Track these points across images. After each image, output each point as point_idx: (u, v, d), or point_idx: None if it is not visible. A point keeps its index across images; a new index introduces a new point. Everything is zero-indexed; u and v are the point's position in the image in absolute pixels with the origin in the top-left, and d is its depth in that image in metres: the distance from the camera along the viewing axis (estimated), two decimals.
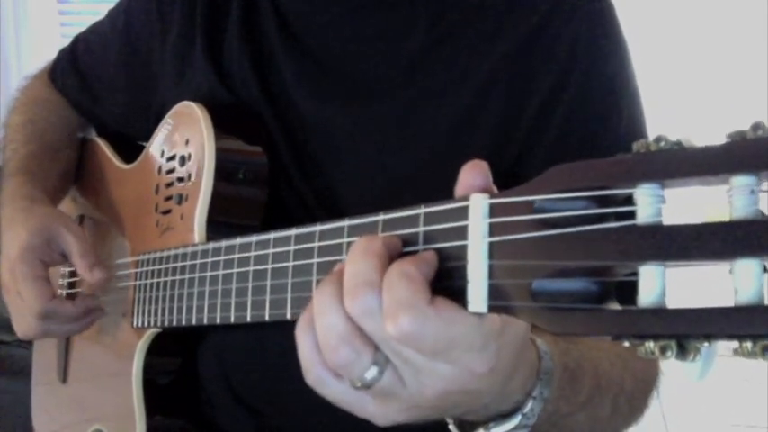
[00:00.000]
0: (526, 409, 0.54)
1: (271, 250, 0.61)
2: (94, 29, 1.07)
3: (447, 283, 0.44)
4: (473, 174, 0.46)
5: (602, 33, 0.79)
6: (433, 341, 0.43)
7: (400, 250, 0.47)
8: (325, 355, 0.47)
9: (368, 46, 0.83)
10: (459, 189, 0.46)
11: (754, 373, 2.39)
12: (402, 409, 0.49)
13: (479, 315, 0.43)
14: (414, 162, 0.80)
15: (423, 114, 0.80)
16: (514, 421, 0.54)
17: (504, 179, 0.78)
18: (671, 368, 0.37)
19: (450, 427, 0.56)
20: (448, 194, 0.47)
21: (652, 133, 0.80)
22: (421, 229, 0.47)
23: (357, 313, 0.45)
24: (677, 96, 2.53)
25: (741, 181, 0.34)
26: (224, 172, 0.79)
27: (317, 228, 0.56)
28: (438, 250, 0.45)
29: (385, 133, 0.81)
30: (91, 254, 0.90)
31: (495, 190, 0.46)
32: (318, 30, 0.85)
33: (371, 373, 0.47)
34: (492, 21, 0.80)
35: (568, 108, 0.77)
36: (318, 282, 0.55)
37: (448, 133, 0.79)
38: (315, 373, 0.49)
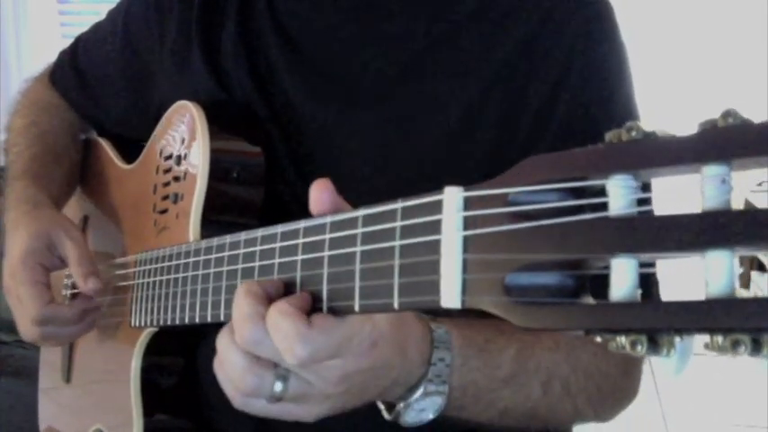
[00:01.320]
0: (430, 374, 0.60)
1: (258, 248, 0.61)
2: (94, 30, 1.07)
3: (422, 278, 0.43)
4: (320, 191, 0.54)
5: (600, 32, 0.79)
6: (325, 350, 0.51)
7: (281, 291, 0.55)
8: (237, 385, 0.56)
9: (366, 47, 0.82)
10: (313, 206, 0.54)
11: (755, 373, 2.36)
12: (320, 404, 0.57)
13: (348, 317, 0.51)
14: (413, 164, 0.79)
15: (422, 116, 0.79)
16: (422, 387, 0.60)
17: None
18: (659, 366, 0.36)
19: (383, 413, 0.63)
20: None
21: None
22: (398, 223, 0.46)
23: (248, 344, 0.53)
24: (677, 96, 2.51)
25: (712, 170, 0.33)
26: (219, 171, 0.79)
27: (301, 225, 0.56)
28: (414, 245, 0.45)
29: (384, 135, 0.81)
30: (87, 262, 0.90)
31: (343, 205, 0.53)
32: (315, 31, 0.85)
33: (278, 387, 0.55)
34: (491, 21, 0.79)
35: (567, 107, 0.77)
36: (302, 278, 0.55)
37: (448, 135, 0.79)
38: (237, 400, 0.58)
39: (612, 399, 0.78)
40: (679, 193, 0.38)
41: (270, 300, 0.53)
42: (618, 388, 0.77)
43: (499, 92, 0.78)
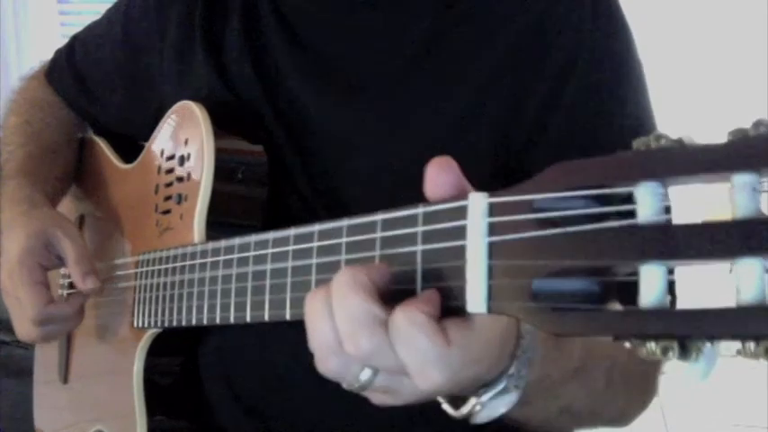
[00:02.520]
0: (512, 370, 0.53)
1: (270, 250, 0.60)
2: (91, 28, 1.07)
3: (446, 283, 0.44)
4: (442, 171, 0.47)
5: (605, 22, 0.78)
6: (462, 370, 0.45)
7: (387, 279, 0.48)
8: (320, 361, 0.49)
9: (369, 44, 0.82)
10: (431, 188, 0.47)
11: (755, 373, 2.38)
12: (407, 397, 0.50)
13: (478, 321, 0.45)
14: (417, 160, 0.79)
15: (425, 111, 0.79)
16: (501, 384, 0.52)
17: (509, 174, 0.78)
18: (674, 368, 0.36)
19: (443, 405, 0.55)
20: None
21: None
22: (420, 228, 0.46)
23: (364, 356, 0.46)
24: (677, 95, 2.52)
25: (743, 179, 0.34)
26: (223, 171, 0.79)
27: (316, 228, 0.55)
28: (437, 250, 0.45)
29: (387, 131, 0.80)
30: (86, 261, 0.89)
31: (468, 186, 0.46)
32: (319, 28, 0.85)
33: (365, 376, 0.48)
34: (494, 14, 0.79)
35: (572, 99, 0.76)
36: (318, 282, 0.54)
37: (451, 130, 0.78)
38: (319, 369, 0.50)
39: (651, 377, 0.76)
40: (706, 201, 0.38)
41: (379, 293, 0.46)
42: (645, 389, 0.76)
43: (503, 85, 0.77)
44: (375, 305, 0.45)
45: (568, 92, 0.76)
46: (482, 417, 0.53)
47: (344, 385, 0.50)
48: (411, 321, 0.43)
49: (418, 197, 0.48)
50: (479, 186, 0.48)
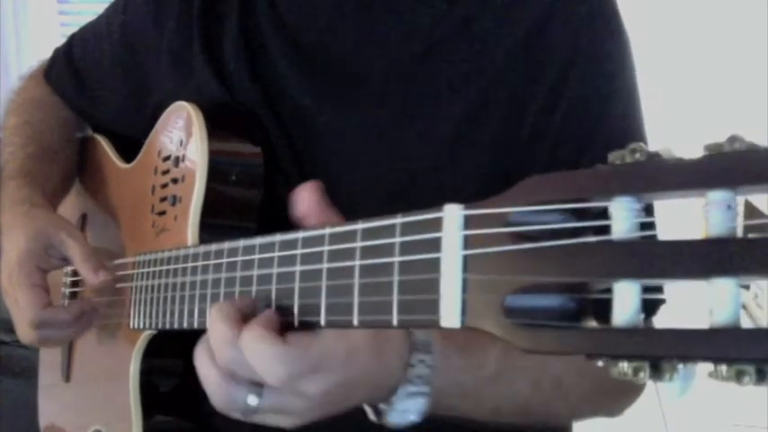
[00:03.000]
0: (411, 375, 0.60)
1: (256, 256, 0.60)
2: (90, 27, 1.06)
3: (421, 296, 0.43)
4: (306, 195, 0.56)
5: (603, 28, 0.78)
6: (304, 368, 0.53)
7: (255, 308, 0.57)
8: (212, 399, 0.58)
9: (369, 46, 0.82)
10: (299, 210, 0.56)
11: None
12: (299, 415, 0.58)
13: (322, 331, 0.53)
14: (416, 163, 0.79)
15: (425, 115, 0.79)
16: (404, 389, 0.60)
17: (507, 179, 0.78)
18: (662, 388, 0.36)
19: (369, 416, 0.63)
20: (451, 196, 0.46)
21: (650, 134, 0.79)
22: (397, 239, 0.45)
23: (227, 366, 0.55)
24: (677, 96, 2.50)
25: (717, 196, 0.33)
26: (217, 173, 0.78)
27: (300, 234, 0.55)
28: (413, 262, 0.44)
29: (387, 133, 0.80)
30: (93, 257, 0.89)
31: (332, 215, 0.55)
32: (318, 30, 0.84)
33: (252, 401, 0.56)
34: (493, 19, 0.78)
35: (570, 103, 0.76)
36: (300, 290, 0.54)
37: (452, 133, 0.78)
38: (218, 408, 0.59)
39: (616, 393, 0.78)
40: (682, 216, 0.37)
41: (245, 319, 0.55)
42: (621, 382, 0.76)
43: (503, 90, 0.77)
44: (230, 328, 0.54)
45: (566, 95, 0.76)
46: (394, 419, 0.61)
47: (238, 415, 0.58)
48: (250, 333, 0.53)
49: (418, 200, 0.47)
50: (480, 189, 0.47)
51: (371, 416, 0.63)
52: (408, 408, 0.61)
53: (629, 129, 0.77)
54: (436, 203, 0.46)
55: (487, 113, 0.77)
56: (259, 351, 0.52)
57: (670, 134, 0.80)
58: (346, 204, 0.81)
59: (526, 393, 0.70)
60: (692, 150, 0.35)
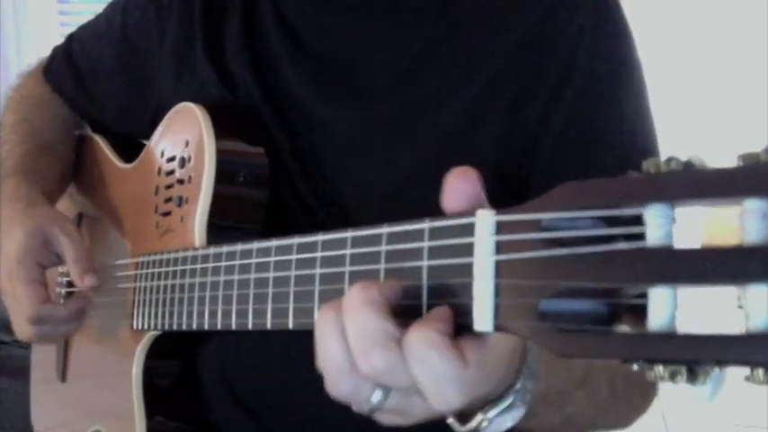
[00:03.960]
0: (518, 385, 0.51)
1: (272, 258, 0.60)
2: (90, 26, 1.06)
3: (452, 300, 0.43)
4: (462, 181, 0.46)
5: (606, 26, 0.78)
6: (479, 389, 0.45)
7: (400, 296, 0.47)
8: (330, 382, 0.48)
9: (371, 45, 0.82)
10: (449, 198, 0.46)
11: None
12: (419, 418, 0.50)
13: (494, 343, 0.44)
14: (418, 163, 0.79)
15: (427, 114, 0.79)
16: (508, 400, 0.51)
17: (509, 179, 0.78)
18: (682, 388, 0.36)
19: (449, 421, 0.53)
20: None
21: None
22: (426, 243, 0.46)
23: (377, 374, 0.45)
24: (677, 97, 2.52)
25: (753, 204, 0.34)
26: (224, 174, 0.78)
27: (320, 237, 0.55)
28: (443, 266, 0.45)
29: (389, 134, 0.80)
30: (84, 259, 0.89)
31: (484, 200, 0.46)
32: (320, 30, 0.84)
33: (377, 397, 0.47)
34: (496, 17, 0.79)
35: (572, 103, 0.76)
36: (321, 292, 0.54)
37: (453, 133, 0.78)
38: (330, 392, 0.50)
39: (638, 401, 0.77)
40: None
41: (391, 309, 0.46)
42: (646, 392, 0.76)
43: (507, 85, 0.77)
44: (388, 322, 0.44)
45: (568, 96, 0.76)
46: (490, 430, 0.52)
47: (354, 407, 0.49)
48: (427, 341, 0.43)
49: (419, 201, 0.48)
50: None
51: (456, 425, 0.53)
52: (507, 417, 0.52)
53: (639, 129, 0.77)
54: (436, 203, 0.46)
55: (488, 113, 0.77)
56: (435, 367, 0.43)
57: (669, 134, 0.80)
58: (347, 203, 0.81)
59: (604, 395, 0.67)
60: (690, 153, 0.35)
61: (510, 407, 0.51)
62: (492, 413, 0.50)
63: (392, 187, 0.79)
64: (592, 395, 0.65)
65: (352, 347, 0.45)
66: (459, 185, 0.46)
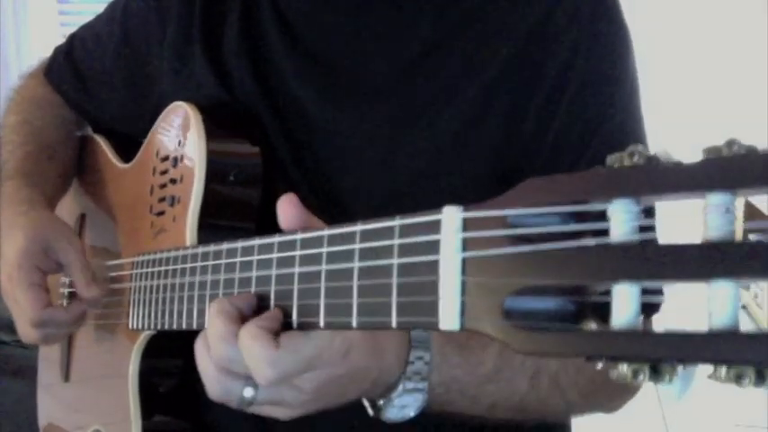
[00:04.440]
0: (409, 372, 0.62)
1: (255, 257, 0.60)
2: (91, 26, 1.06)
3: (420, 298, 0.43)
4: (291, 205, 0.58)
5: (604, 28, 0.78)
6: (294, 369, 0.55)
7: (254, 306, 0.58)
8: (208, 391, 0.61)
9: (370, 45, 0.81)
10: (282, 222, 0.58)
11: None
12: (295, 407, 0.60)
13: (315, 333, 0.54)
14: (417, 162, 0.79)
15: (426, 114, 0.79)
16: (400, 385, 0.62)
17: (508, 179, 0.77)
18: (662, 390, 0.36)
19: (367, 409, 0.65)
20: (452, 195, 0.46)
21: (649, 133, 0.79)
22: (396, 241, 0.45)
23: (221, 362, 0.58)
24: (677, 96, 2.50)
25: (716, 199, 0.33)
26: (216, 174, 0.78)
27: (299, 236, 0.55)
28: (412, 264, 0.44)
29: (388, 133, 0.80)
30: (88, 270, 0.89)
31: (311, 221, 0.57)
32: (320, 29, 0.84)
33: (248, 393, 0.58)
34: (495, 17, 0.78)
35: (570, 103, 0.76)
36: (299, 291, 0.54)
37: (452, 132, 0.78)
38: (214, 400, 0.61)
39: (612, 389, 0.78)
40: (681, 217, 0.37)
41: (243, 317, 0.57)
42: (610, 389, 0.77)
43: (506, 86, 0.76)
44: (234, 325, 0.56)
45: (566, 96, 0.76)
46: (393, 414, 0.63)
47: (234, 406, 0.60)
48: (247, 332, 0.54)
49: (418, 202, 0.47)
50: (480, 189, 0.47)
51: (370, 411, 0.65)
52: (406, 403, 0.63)
53: (630, 130, 0.77)
54: (436, 203, 0.46)
55: (488, 113, 0.77)
56: (251, 351, 0.54)
57: (670, 134, 0.79)
58: (347, 203, 0.81)
59: (523, 391, 0.71)
60: (691, 152, 0.35)
61: (406, 392, 0.62)
62: (393, 395, 0.62)
63: (392, 187, 0.79)
64: (509, 388, 0.70)
65: (210, 345, 0.58)
66: (288, 211, 0.58)
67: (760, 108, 2.13)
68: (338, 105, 0.81)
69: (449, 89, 0.78)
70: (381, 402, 0.63)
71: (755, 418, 2.20)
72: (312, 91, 0.82)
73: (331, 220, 0.81)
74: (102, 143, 1.06)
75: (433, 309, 0.42)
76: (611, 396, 0.80)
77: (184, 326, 0.72)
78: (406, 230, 0.45)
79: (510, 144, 0.77)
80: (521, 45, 0.77)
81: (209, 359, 0.59)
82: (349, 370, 0.58)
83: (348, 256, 0.49)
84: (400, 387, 0.62)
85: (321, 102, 0.82)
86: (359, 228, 0.49)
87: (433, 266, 0.42)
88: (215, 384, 0.59)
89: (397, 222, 0.46)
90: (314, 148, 0.82)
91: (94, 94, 1.05)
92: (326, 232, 0.52)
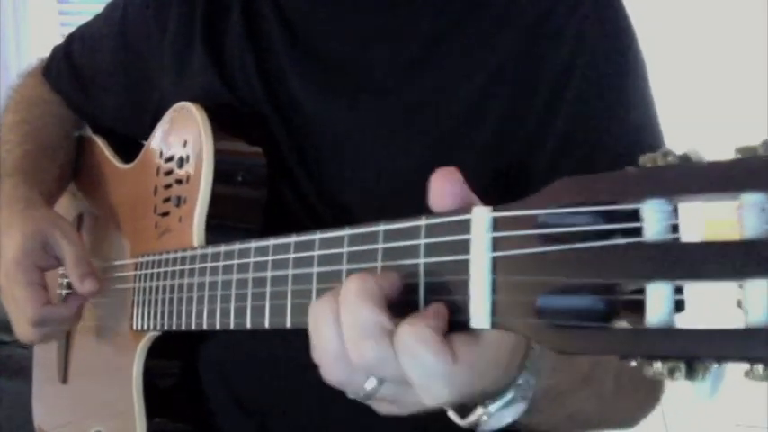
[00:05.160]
0: (520, 380, 0.51)
1: (270, 257, 0.60)
2: (90, 26, 1.06)
3: (449, 297, 0.43)
4: (447, 182, 0.46)
5: (608, 22, 0.77)
6: (469, 389, 0.45)
7: (399, 288, 0.47)
8: (324, 370, 0.49)
9: (371, 44, 0.82)
10: (435, 200, 0.46)
11: None
12: (410, 408, 0.50)
13: (486, 339, 0.44)
14: (418, 162, 0.78)
15: (427, 112, 0.79)
16: (509, 395, 0.51)
17: (510, 177, 0.78)
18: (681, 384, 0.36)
19: (450, 413, 0.54)
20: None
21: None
22: (422, 241, 0.46)
23: (367, 365, 0.46)
24: (677, 96, 2.51)
25: (751, 198, 0.33)
26: (223, 174, 0.78)
27: (317, 236, 0.55)
28: (440, 263, 0.44)
29: (389, 132, 0.80)
30: (84, 263, 0.89)
31: (473, 197, 0.46)
32: (321, 28, 0.84)
33: (370, 385, 0.48)
34: (495, 15, 0.78)
35: (573, 101, 0.75)
36: (318, 291, 0.54)
37: (453, 132, 0.78)
38: (325, 378, 0.50)
39: (641, 396, 0.76)
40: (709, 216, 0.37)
41: (388, 302, 0.46)
42: (652, 389, 0.76)
43: (507, 83, 0.76)
44: (383, 315, 0.44)
45: (569, 93, 0.75)
46: (489, 425, 0.52)
47: (349, 394, 0.50)
48: (417, 336, 0.43)
49: (419, 200, 0.48)
50: (481, 188, 0.48)
51: (457, 419, 0.54)
52: (508, 412, 0.52)
53: (644, 125, 0.76)
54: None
55: (488, 110, 0.76)
56: (422, 360, 0.43)
57: (669, 134, 0.79)
58: (348, 201, 0.81)
59: (610, 390, 0.66)
60: (696, 147, 0.35)
61: (511, 402, 0.51)
62: (493, 407, 0.50)
63: (392, 186, 0.79)
64: (597, 393, 0.65)
65: (346, 337, 0.46)
66: (444, 187, 0.46)
67: (760, 108, 2.15)
68: (339, 104, 0.81)
69: (449, 86, 0.78)
70: (481, 411, 0.51)
71: (755, 418, 2.21)
72: (313, 89, 0.83)
73: (332, 218, 0.82)
74: (101, 144, 1.06)
75: (463, 308, 0.42)
76: (640, 403, 0.76)
77: (194, 326, 0.72)
78: (432, 230, 0.45)
79: (511, 141, 0.76)
80: (521, 41, 0.76)
81: (333, 328, 0.47)
82: (486, 383, 0.49)
83: (370, 255, 0.49)
84: (510, 395, 0.51)
85: (322, 100, 0.82)
86: (382, 228, 0.49)
87: (463, 266, 0.42)
88: (336, 366, 0.48)
89: (423, 222, 0.46)
90: (316, 146, 0.82)
91: (93, 94, 1.05)
92: (347, 232, 0.52)
